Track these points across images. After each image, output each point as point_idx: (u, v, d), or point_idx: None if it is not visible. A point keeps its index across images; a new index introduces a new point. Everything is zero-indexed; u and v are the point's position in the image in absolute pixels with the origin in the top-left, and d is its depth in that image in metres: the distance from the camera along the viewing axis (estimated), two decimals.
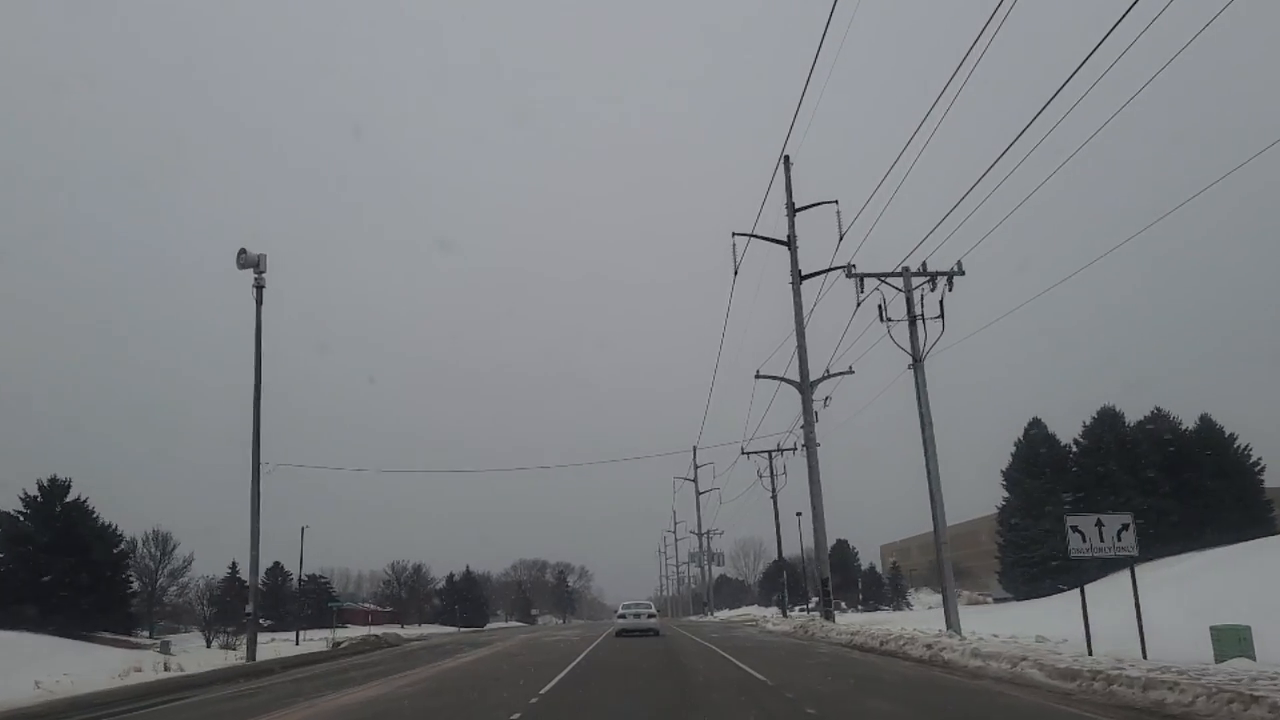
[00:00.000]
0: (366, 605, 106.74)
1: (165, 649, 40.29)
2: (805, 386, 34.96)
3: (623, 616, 36.98)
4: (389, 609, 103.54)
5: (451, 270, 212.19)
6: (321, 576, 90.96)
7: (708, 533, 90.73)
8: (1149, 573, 37.69)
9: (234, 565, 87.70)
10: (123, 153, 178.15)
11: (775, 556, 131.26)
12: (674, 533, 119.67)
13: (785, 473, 46.27)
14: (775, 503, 46.82)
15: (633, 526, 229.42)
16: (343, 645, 37.53)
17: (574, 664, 21.08)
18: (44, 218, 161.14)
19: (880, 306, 21.96)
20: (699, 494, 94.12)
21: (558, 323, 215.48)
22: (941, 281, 21.60)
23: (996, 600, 53.53)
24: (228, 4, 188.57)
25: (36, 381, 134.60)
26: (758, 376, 35.49)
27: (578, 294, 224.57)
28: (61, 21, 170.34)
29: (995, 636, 22.12)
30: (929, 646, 19.37)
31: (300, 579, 78.42)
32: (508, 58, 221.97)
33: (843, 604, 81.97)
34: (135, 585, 57.37)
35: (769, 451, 46.37)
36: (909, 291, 21.92)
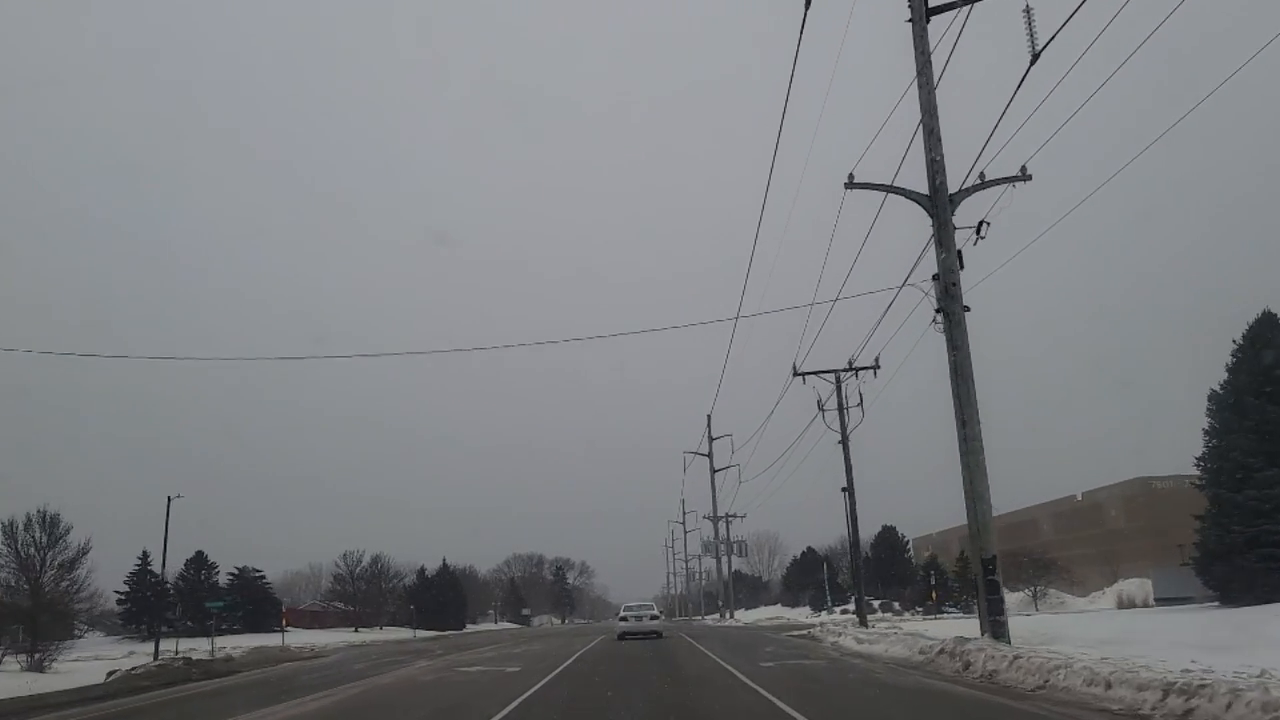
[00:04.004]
0: (335, 605, 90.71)
1: None
2: (940, 201, 18.71)
3: (624, 619, 36.44)
4: (349, 608, 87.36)
5: (448, 263, 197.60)
6: (255, 570, 74.77)
7: (726, 516, 74.11)
8: None
9: (145, 555, 72.09)
10: (119, 148, 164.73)
11: (793, 553, 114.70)
12: (682, 523, 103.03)
13: (860, 403, 30.03)
14: (845, 448, 30.22)
15: (638, 519, 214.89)
16: (113, 677, 21.47)
17: None
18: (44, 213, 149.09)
19: None
20: (714, 471, 77.73)
21: (554, 318, 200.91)
22: None
23: (1160, 601, 37.14)
24: (221, 1, 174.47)
25: None
26: (850, 185, 19.15)
27: (575, 289, 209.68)
28: (59, 20, 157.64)
29: None
30: None
31: (169, 570, 60.67)
32: (506, 51, 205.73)
33: (896, 605, 65.59)
34: None
35: (835, 371, 30.14)
36: None
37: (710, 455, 77.23)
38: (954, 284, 18.37)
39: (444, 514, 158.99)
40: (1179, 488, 74.67)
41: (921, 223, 19.40)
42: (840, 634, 26.66)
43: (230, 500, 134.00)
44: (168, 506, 41.50)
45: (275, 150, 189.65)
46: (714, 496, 75.17)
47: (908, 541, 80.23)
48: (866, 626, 28.28)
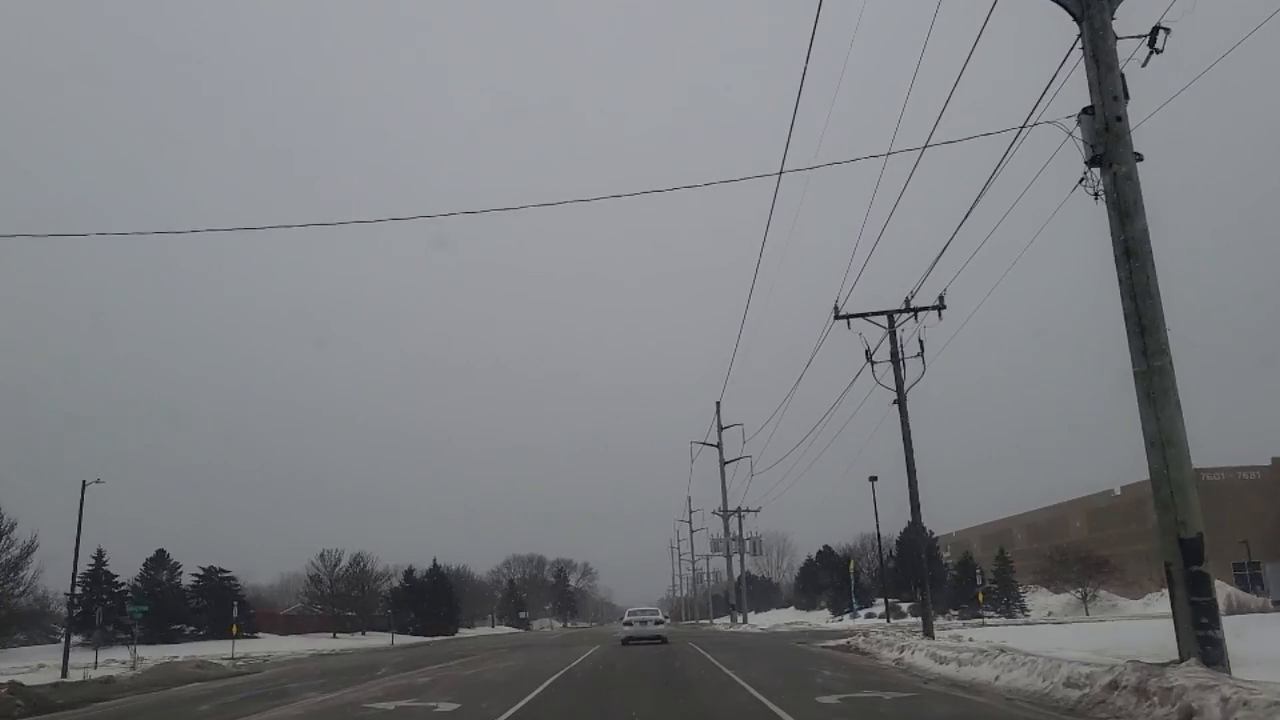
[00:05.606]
0: (315, 608, 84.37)
1: None
2: None
3: (628, 624, 36.00)
4: (330, 611, 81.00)
5: (447, 266, 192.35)
6: (222, 570, 68.38)
7: (738, 510, 67.58)
8: None
9: (100, 553, 65.68)
10: (120, 148, 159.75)
11: (805, 554, 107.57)
12: (688, 521, 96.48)
13: (920, 354, 23.44)
14: (902, 408, 23.55)
15: (643, 520, 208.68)
16: None
17: None
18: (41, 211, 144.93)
19: None
20: (723, 462, 71.22)
21: (554, 320, 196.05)
22: None
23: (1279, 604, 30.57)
24: (223, 4, 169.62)
25: None
26: None
27: (575, 291, 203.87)
28: (58, 17, 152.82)
29: None
30: None
31: (121, 570, 53.41)
32: (504, 53, 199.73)
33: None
34: None
35: (888, 313, 23.70)
36: None
37: (720, 445, 70.78)
38: (1118, 118, 11.94)
39: (443, 515, 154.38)
40: (1232, 479, 68.43)
41: (1056, 38, 13.03)
42: (903, 647, 20.23)
43: (230, 501, 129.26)
44: (82, 493, 35.07)
45: (276, 153, 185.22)
46: (724, 489, 68.75)
47: (936, 539, 73.54)
48: (933, 637, 21.83)
